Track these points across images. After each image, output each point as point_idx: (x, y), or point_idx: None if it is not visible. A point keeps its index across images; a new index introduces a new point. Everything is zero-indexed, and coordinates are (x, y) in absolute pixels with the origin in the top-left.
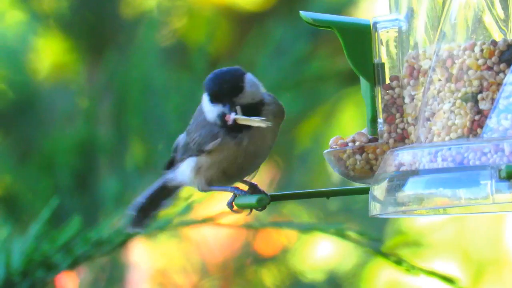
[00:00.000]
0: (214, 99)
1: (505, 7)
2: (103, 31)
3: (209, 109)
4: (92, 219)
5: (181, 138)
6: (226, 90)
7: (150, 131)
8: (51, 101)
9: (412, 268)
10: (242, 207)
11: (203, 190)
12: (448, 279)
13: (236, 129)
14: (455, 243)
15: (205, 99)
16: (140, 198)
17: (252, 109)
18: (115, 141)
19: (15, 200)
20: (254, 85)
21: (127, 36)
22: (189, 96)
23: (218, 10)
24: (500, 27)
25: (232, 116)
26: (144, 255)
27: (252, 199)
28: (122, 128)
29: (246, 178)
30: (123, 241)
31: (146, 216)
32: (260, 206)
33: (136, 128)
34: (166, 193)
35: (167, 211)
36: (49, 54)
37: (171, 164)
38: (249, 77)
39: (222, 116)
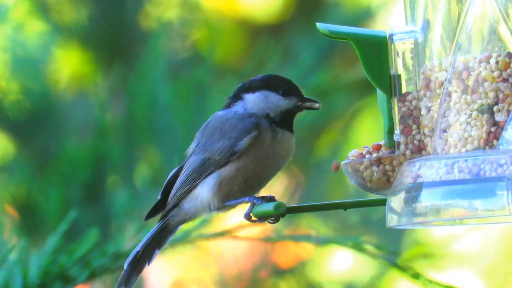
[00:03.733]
0: (287, 93)
1: None
2: (123, 42)
3: (279, 103)
4: (102, 231)
5: (189, 165)
6: (297, 87)
7: (159, 144)
8: (69, 112)
9: (429, 283)
10: (259, 216)
11: (217, 208)
12: None
13: (276, 124)
14: (475, 254)
15: (269, 94)
16: (138, 247)
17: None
18: (125, 154)
19: (32, 210)
20: None
21: (143, 48)
22: (197, 109)
23: (235, 23)
24: None
25: None
26: (161, 267)
27: (270, 206)
28: (131, 141)
29: (255, 195)
30: None
31: (137, 270)
32: (278, 213)
33: (145, 141)
34: (162, 237)
35: (185, 225)
36: (68, 65)
37: (157, 211)
38: None
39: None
